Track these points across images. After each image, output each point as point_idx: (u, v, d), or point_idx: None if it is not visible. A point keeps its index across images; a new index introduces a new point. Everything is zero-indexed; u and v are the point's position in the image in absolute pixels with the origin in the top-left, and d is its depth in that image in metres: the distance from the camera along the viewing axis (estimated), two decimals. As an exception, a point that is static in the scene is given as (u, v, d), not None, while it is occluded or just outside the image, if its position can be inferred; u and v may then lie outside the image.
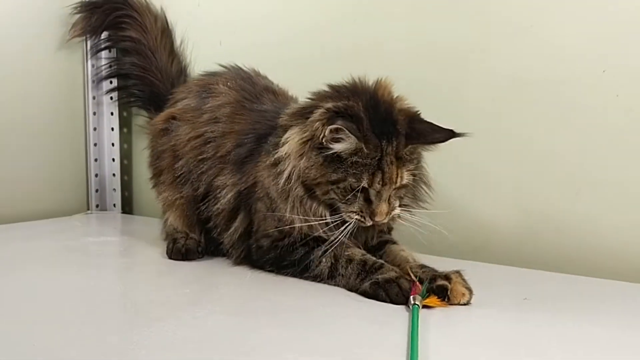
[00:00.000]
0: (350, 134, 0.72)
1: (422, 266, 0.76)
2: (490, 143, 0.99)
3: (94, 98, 1.37)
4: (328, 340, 0.58)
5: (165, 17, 1.29)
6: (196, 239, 0.95)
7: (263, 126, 0.87)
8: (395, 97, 0.79)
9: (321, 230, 0.78)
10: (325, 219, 0.78)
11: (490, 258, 0.97)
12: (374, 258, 0.77)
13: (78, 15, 1.30)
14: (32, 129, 1.28)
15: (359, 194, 0.75)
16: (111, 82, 1.35)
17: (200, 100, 0.97)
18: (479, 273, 0.79)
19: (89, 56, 1.36)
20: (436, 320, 0.65)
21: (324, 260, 0.78)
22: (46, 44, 1.30)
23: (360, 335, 0.60)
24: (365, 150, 0.73)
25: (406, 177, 0.76)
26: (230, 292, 0.76)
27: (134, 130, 1.42)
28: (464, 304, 0.71)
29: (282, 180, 0.77)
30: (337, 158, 0.74)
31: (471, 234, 1.01)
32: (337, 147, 0.73)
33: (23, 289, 0.75)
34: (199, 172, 0.92)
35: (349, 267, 0.76)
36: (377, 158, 0.74)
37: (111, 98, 1.36)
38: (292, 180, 0.77)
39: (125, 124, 1.43)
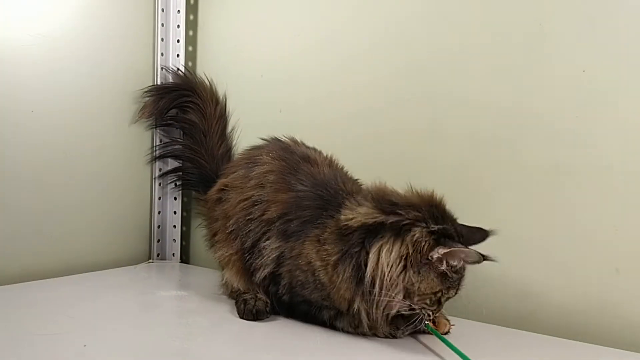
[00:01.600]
0: (471, 254, 0.85)
1: None
2: (533, 219, 1.09)
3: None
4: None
5: (225, 103, 1.43)
6: (264, 299, 1.04)
7: (305, 212, 0.97)
8: (445, 203, 0.92)
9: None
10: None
11: (535, 328, 1.05)
12: None
13: (148, 98, 1.43)
14: (105, 185, 1.40)
15: (441, 300, 0.89)
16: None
17: (248, 170, 1.09)
18: (523, 342, 0.94)
19: (157, 127, 1.48)
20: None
21: None
22: (121, 104, 1.42)
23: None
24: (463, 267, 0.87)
25: None
26: (309, 358, 0.85)
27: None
28: (446, 333, 0.94)
29: (372, 286, 0.87)
30: (444, 275, 0.87)
31: (517, 303, 1.10)
32: (455, 263, 0.86)
33: (112, 350, 0.84)
34: (247, 230, 1.04)
35: None
36: (462, 274, 0.89)
37: (175, 184, 1.50)
38: (383, 288, 0.86)
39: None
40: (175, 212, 1.51)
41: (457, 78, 1.16)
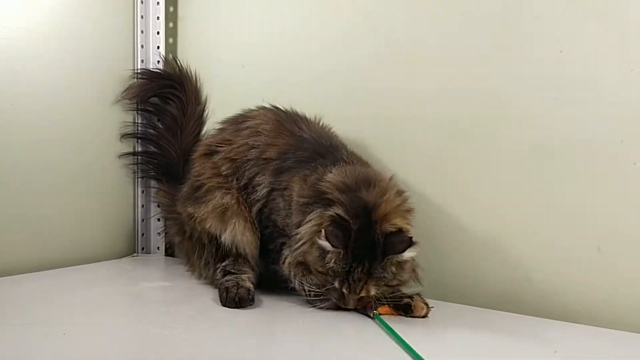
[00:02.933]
0: (330, 241, 0.90)
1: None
2: (515, 201, 1.09)
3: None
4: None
5: (204, 106, 1.43)
6: (246, 286, 1.03)
7: (303, 153, 1.05)
8: (386, 216, 0.93)
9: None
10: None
11: (519, 309, 1.05)
12: None
13: (136, 81, 1.42)
14: (88, 179, 1.39)
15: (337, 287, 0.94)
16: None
17: (237, 125, 1.15)
18: (508, 323, 0.94)
19: (139, 110, 1.47)
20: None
21: None
22: (103, 98, 1.41)
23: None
24: (339, 259, 0.91)
25: (373, 290, 0.93)
26: (291, 341, 0.84)
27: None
28: (424, 316, 0.95)
29: (297, 246, 0.96)
30: (324, 258, 0.92)
31: (500, 284, 1.10)
32: (322, 243, 0.91)
33: (95, 341, 0.83)
34: (243, 169, 1.09)
35: None
36: (346, 270, 0.92)
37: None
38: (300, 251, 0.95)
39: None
40: (159, 205, 1.50)
41: (435, 64, 1.16)
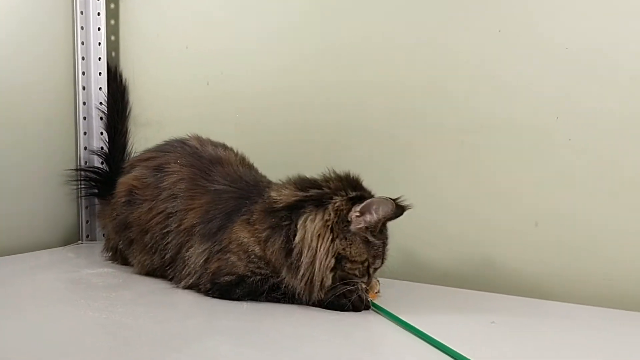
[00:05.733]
0: (383, 201, 0.87)
1: None
2: (455, 180, 1.11)
3: (85, 133, 1.44)
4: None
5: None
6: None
7: (228, 205, 0.98)
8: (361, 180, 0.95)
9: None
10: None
11: (460, 284, 1.07)
12: None
13: None
14: (29, 164, 1.35)
15: (370, 271, 0.91)
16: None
17: (157, 179, 1.07)
18: (449, 297, 0.96)
19: (80, 100, 1.44)
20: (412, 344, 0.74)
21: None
22: (39, 79, 1.36)
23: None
24: (381, 231, 0.90)
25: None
26: (232, 322, 0.83)
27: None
28: (377, 292, 0.96)
29: (299, 256, 0.88)
30: (367, 242, 0.89)
31: (443, 260, 1.12)
32: (370, 218, 0.88)
33: (33, 326, 0.81)
34: (165, 242, 1.02)
35: None
36: (383, 241, 0.91)
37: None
38: (314, 255, 0.87)
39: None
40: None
41: (379, 58, 1.17)
